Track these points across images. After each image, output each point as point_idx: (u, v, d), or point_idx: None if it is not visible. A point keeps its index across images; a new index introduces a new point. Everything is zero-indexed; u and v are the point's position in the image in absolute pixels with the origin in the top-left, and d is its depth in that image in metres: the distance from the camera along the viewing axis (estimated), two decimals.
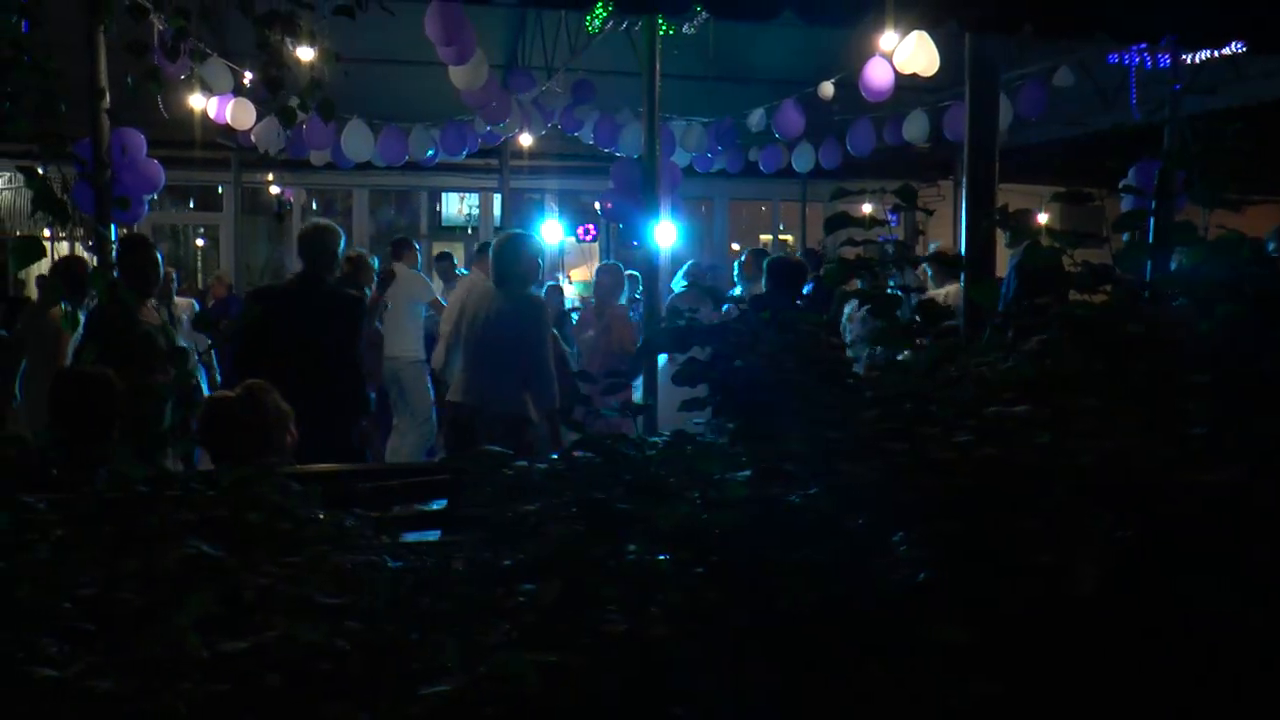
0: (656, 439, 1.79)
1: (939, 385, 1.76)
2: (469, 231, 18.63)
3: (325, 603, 1.49)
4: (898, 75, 7.90)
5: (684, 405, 1.84)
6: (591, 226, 17.75)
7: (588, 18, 9.27)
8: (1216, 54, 8.21)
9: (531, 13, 10.40)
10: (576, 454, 1.76)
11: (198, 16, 3.82)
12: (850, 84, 8.79)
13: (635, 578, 1.40)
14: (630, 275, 11.78)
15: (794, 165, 12.48)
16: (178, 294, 10.54)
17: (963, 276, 5.27)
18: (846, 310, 7.25)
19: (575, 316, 10.33)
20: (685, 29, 8.84)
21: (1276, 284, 1.72)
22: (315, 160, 11.56)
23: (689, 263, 11.40)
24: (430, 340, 9.05)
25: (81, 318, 5.45)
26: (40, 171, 2.71)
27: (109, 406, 4.03)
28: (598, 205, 15.66)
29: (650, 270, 6.03)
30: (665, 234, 6.50)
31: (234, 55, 8.64)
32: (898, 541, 1.35)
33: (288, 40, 3.65)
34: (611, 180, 9.11)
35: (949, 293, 7.20)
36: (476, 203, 18.18)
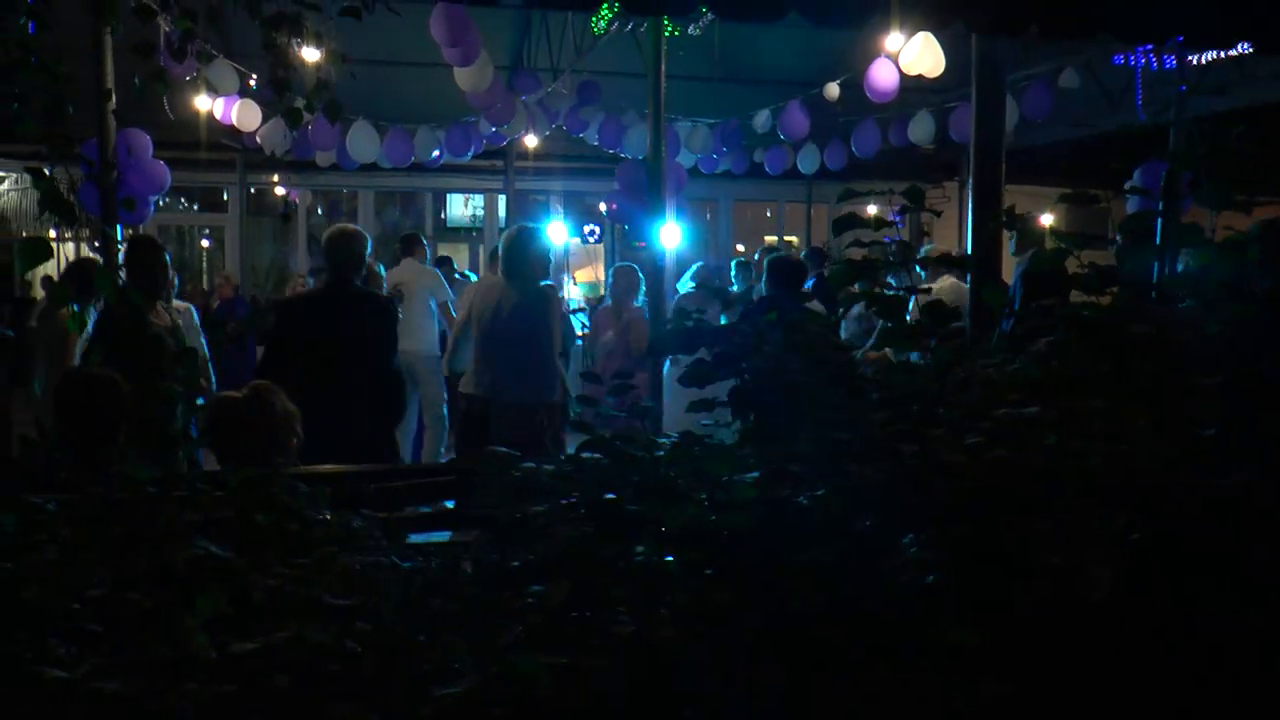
0: (664, 440, 1.78)
1: (947, 387, 1.76)
2: (473, 233, 18.65)
3: (334, 604, 1.49)
4: (903, 76, 7.90)
5: (692, 406, 1.84)
6: (596, 227, 17.76)
7: (593, 19, 9.28)
8: (1223, 55, 8.21)
9: (537, 14, 10.41)
10: (585, 455, 1.76)
11: (204, 18, 3.82)
12: (855, 85, 8.80)
13: (644, 579, 1.40)
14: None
15: (799, 166, 12.48)
16: (179, 296, 10.55)
17: (969, 278, 5.26)
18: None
19: (583, 316, 10.31)
20: (690, 30, 8.84)
21: None
22: (320, 161, 11.57)
23: (696, 264, 11.40)
24: (443, 338, 9.04)
25: (92, 318, 5.47)
26: (47, 172, 2.72)
27: (115, 408, 4.03)
28: (603, 206, 15.67)
29: (655, 271, 6.03)
30: (670, 235, 6.49)
31: (240, 57, 8.66)
32: (907, 543, 1.35)
33: (294, 41, 3.65)
34: (617, 181, 9.10)
35: (941, 288, 7.19)
36: (481, 204, 18.20)
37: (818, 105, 10.36)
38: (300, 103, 3.90)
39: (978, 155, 4.68)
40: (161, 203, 16.40)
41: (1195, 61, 8.53)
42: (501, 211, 16.83)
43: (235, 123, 9.58)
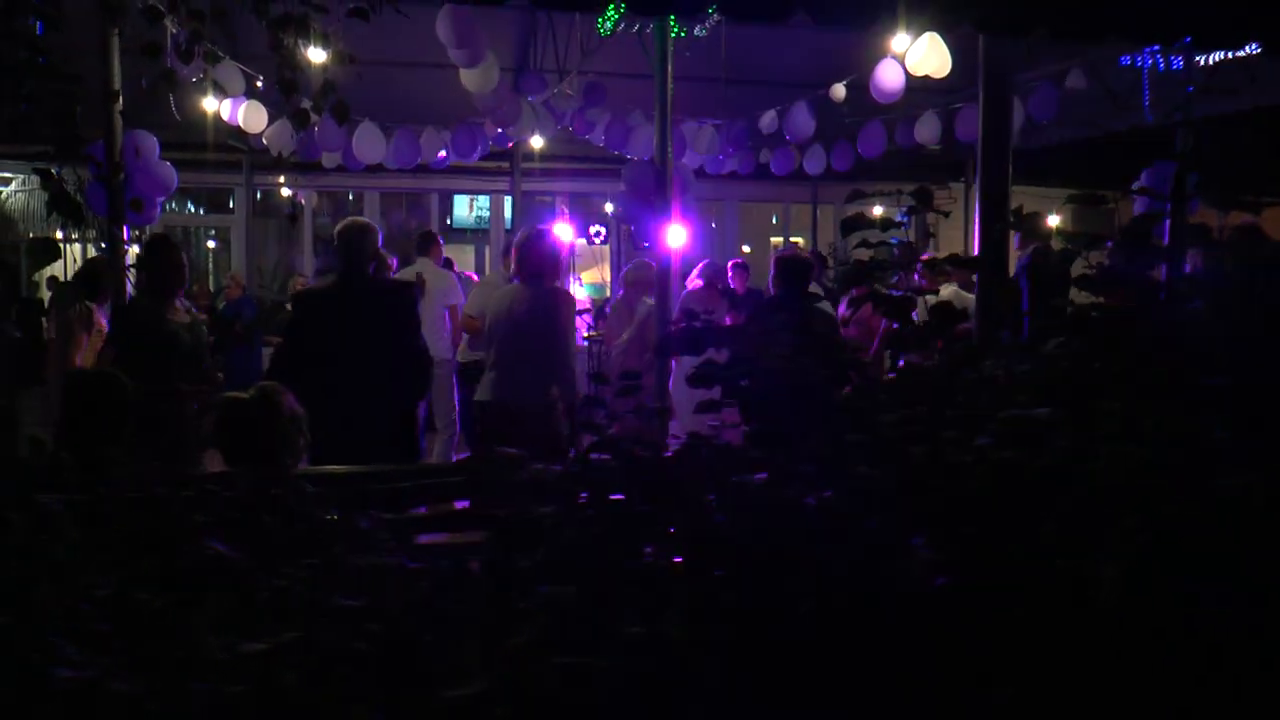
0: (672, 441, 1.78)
1: (956, 388, 1.76)
2: (479, 234, 18.65)
3: (343, 605, 1.49)
4: (909, 77, 7.89)
5: (700, 407, 1.84)
6: (602, 228, 17.75)
7: (599, 20, 9.28)
8: (1230, 56, 8.18)
9: (543, 15, 10.40)
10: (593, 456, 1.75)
11: (211, 19, 3.82)
12: (861, 86, 8.79)
13: (652, 580, 1.40)
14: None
15: (805, 167, 12.46)
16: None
17: (976, 279, 5.26)
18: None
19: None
20: (697, 31, 8.84)
21: None
22: (326, 163, 11.56)
23: (704, 262, 11.39)
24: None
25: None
26: (55, 174, 2.73)
27: (121, 407, 4.04)
28: (609, 207, 15.66)
29: (662, 272, 6.03)
30: (676, 236, 6.49)
31: (247, 58, 8.66)
32: (917, 545, 1.35)
33: (300, 43, 3.65)
34: (623, 183, 9.10)
35: (944, 293, 7.19)
36: (486, 205, 18.20)
37: (824, 106, 10.34)
38: (307, 104, 3.91)
39: (985, 156, 4.68)
40: (172, 206, 16.48)
41: (1202, 63, 8.51)
42: (507, 213, 16.83)
43: (242, 124, 9.58)
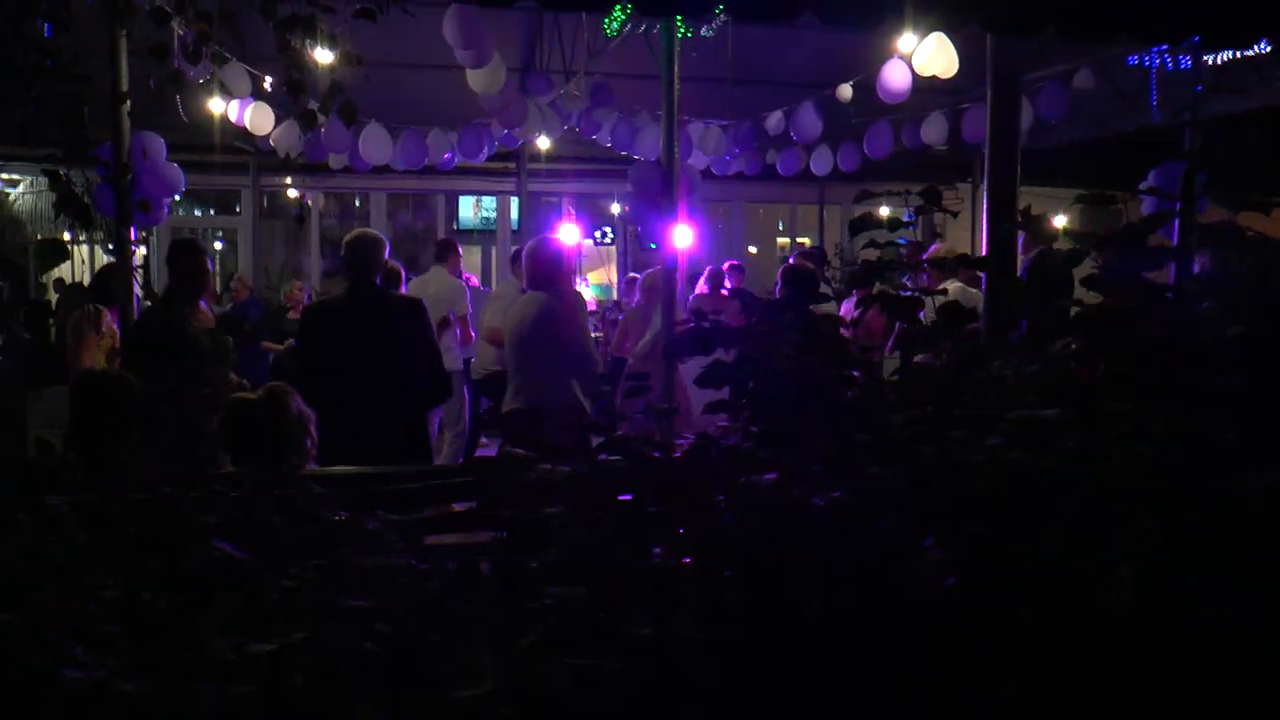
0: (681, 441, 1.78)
1: (964, 388, 1.75)
2: (485, 235, 18.66)
3: (351, 605, 1.49)
4: (916, 77, 7.88)
5: (708, 407, 1.84)
6: (609, 229, 17.76)
7: (606, 21, 9.27)
8: (1239, 55, 8.16)
9: (549, 16, 10.41)
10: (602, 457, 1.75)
11: (219, 21, 3.83)
12: (868, 86, 8.77)
13: (661, 581, 1.39)
14: (632, 278, 11.78)
15: (812, 168, 12.45)
16: None
17: (983, 279, 5.24)
18: None
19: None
20: (703, 32, 8.83)
21: None
22: (333, 164, 11.58)
23: (709, 268, 11.39)
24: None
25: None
26: (63, 175, 2.73)
27: (128, 409, 4.05)
28: (616, 208, 15.66)
29: (669, 273, 6.02)
30: (683, 237, 6.49)
31: (254, 60, 8.67)
32: (927, 545, 1.34)
33: (308, 44, 3.66)
34: (630, 183, 9.10)
35: (948, 290, 7.18)
36: (492, 206, 18.21)
37: (830, 107, 10.33)
38: (314, 105, 3.91)
39: (993, 156, 4.66)
40: (180, 208, 16.51)
41: (1211, 62, 8.49)
42: (514, 214, 16.85)
43: (249, 126, 9.59)
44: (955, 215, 2.63)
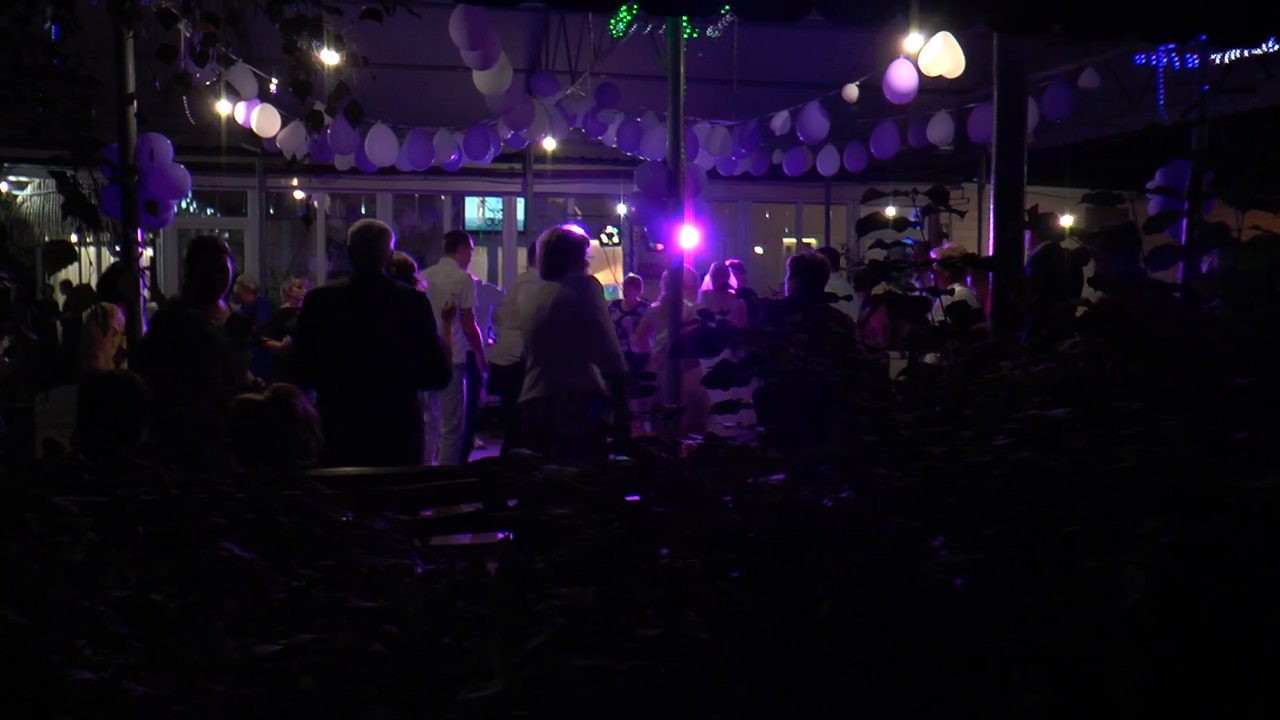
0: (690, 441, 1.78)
1: (973, 388, 1.75)
2: (492, 235, 18.67)
3: (359, 606, 1.49)
4: (922, 77, 7.88)
5: (716, 408, 1.83)
6: (614, 229, 17.76)
7: (612, 21, 9.28)
8: (1246, 54, 8.14)
9: (555, 17, 10.42)
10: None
11: (225, 22, 3.83)
12: (874, 87, 8.77)
13: (670, 581, 1.39)
14: (631, 278, 11.79)
15: (818, 168, 12.44)
16: None
17: (990, 279, 5.24)
18: None
19: None
20: (709, 32, 8.84)
21: None
22: (339, 165, 11.60)
23: (714, 264, 11.40)
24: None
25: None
26: (70, 177, 2.73)
27: (135, 409, 4.06)
28: (622, 208, 15.67)
29: (674, 273, 6.03)
30: (688, 237, 6.50)
31: (260, 61, 8.69)
32: (937, 546, 1.34)
33: (314, 45, 3.66)
34: (636, 184, 9.10)
35: (955, 291, 7.17)
36: (498, 207, 18.22)
37: (836, 107, 10.33)
38: (320, 106, 3.91)
39: (999, 155, 4.66)
40: (190, 209, 16.54)
41: (1218, 60, 8.47)
42: (520, 214, 16.86)
43: (255, 127, 9.61)
44: (962, 215, 2.62)
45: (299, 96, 3.67)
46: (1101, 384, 1.66)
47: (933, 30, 6.98)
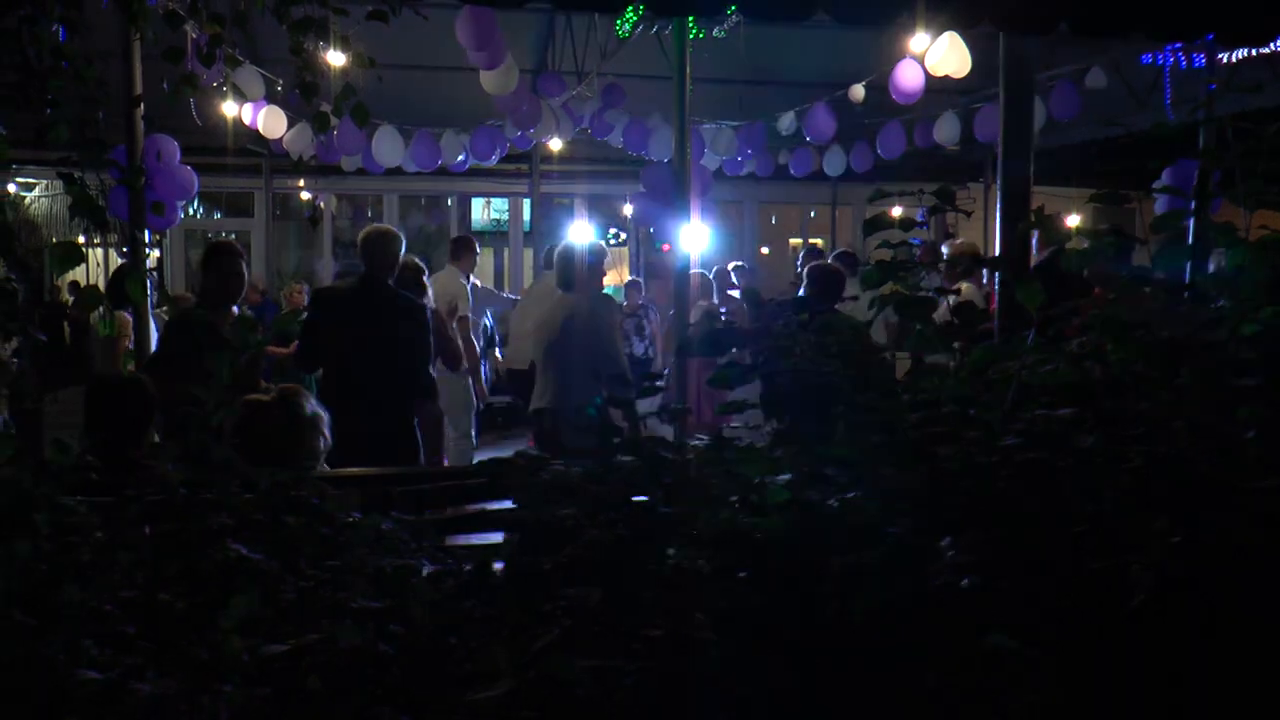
0: (696, 442, 1.78)
1: (979, 389, 1.74)
2: (498, 236, 18.68)
3: (366, 606, 1.49)
4: (928, 77, 7.87)
5: (722, 408, 1.83)
6: (620, 231, 17.76)
7: (618, 22, 9.28)
8: (1254, 53, 8.12)
9: (561, 17, 10.42)
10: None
11: (232, 23, 3.84)
12: (880, 87, 8.76)
13: (676, 582, 1.39)
14: (634, 281, 11.81)
15: (824, 168, 12.43)
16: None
17: (997, 279, 5.23)
18: None
19: None
20: (715, 33, 8.83)
21: None
22: (346, 166, 11.61)
23: (715, 267, 11.40)
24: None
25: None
26: (77, 178, 2.74)
27: (143, 411, 4.07)
28: (628, 209, 15.68)
29: (680, 274, 6.02)
30: (695, 238, 6.51)
31: (266, 62, 8.70)
32: (944, 546, 1.34)
33: (321, 46, 3.66)
34: (642, 184, 9.10)
35: (961, 290, 7.17)
36: (504, 207, 18.23)
37: (843, 107, 10.32)
38: (327, 107, 3.92)
39: (1006, 155, 4.65)
40: (200, 212, 16.56)
41: (1225, 60, 8.45)
42: (526, 215, 16.87)
43: (261, 128, 9.63)
44: (968, 215, 2.62)
45: (305, 98, 3.68)
46: (1108, 384, 1.66)
47: (939, 30, 6.97)
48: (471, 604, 1.46)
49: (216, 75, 6.64)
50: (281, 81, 8.64)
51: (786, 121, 11.19)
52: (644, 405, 2.13)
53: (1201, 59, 8.71)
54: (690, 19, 5.90)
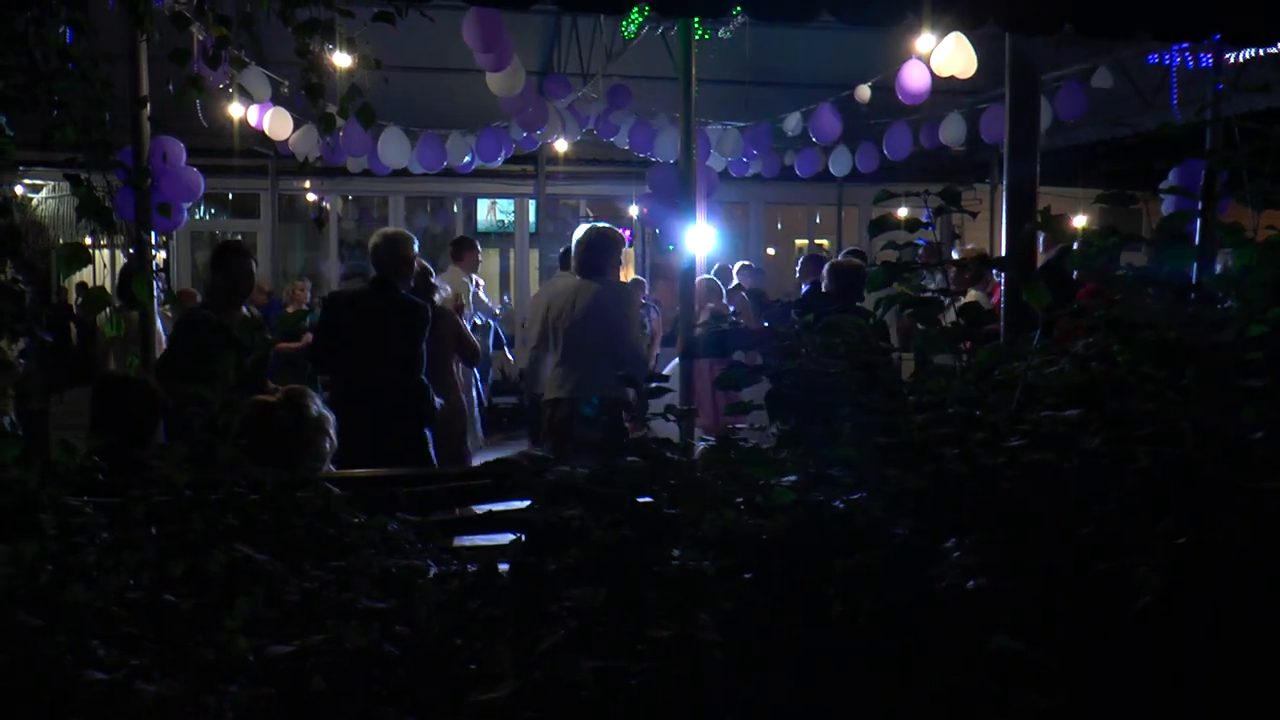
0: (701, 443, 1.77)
1: (985, 390, 1.74)
2: (504, 238, 18.68)
3: (371, 607, 1.49)
4: (934, 78, 7.86)
5: (728, 409, 1.83)
6: (626, 231, 17.75)
7: (623, 23, 9.28)
8: (1261, 53, 8.10)
9: (567, 19, 10.42)
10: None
11: (238, 25, 3.84)
12: (886, 87, 8.75)
13: (682, 583, 1.39)
14: (637, 280, 11.82)
15: (830, 169, 12.42)
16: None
17: (1003, 279, 5.22)
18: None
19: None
20: (721, 34, 8.83)
21: None
22: (352, 167, 11.62)
23: (716, 265, 11.40)
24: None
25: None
26: (83, 179, 2.74)
27: (149, 411, 4.07)
28: (634, 210, 15.68)
29: (686, 275, 6.02)
30: (701, 239, 6.50)
31: (272, 64, 8.72)
32: (949, 548, 1.33)
33: (327, 48, 3.66)
34: (648, 185, 9.09)
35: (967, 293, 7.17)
36: (510, 208, 18.22)
37: (849, 108, 10.31)
38: (332, 109, 3.92)
39: (1012, 155, 4.64)
40: (209, 214, 16.58)
41: (1232, 59, 8.43)
42: (532, 216, 16.86)
43: (267, 130, 9.64)
44: (974, 216, 2.61)
45: (311, 99, 3.68)
46: (1114, 385, 1.66)
47: (945, 31, 6.96)
48: (477, 605, 1.46)
49: (222, 77, 6.64)
50: (287, 83, 8.65)
51: (792, 122, 11.18)
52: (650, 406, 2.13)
53: (1208, 59, 8.70)
54: (696, 20, 5.90)
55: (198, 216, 16.30)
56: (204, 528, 1.74)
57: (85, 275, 13.11)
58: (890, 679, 1.25)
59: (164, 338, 6.88)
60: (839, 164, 12.26)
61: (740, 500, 1.59)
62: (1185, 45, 8.91)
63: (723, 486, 1.62)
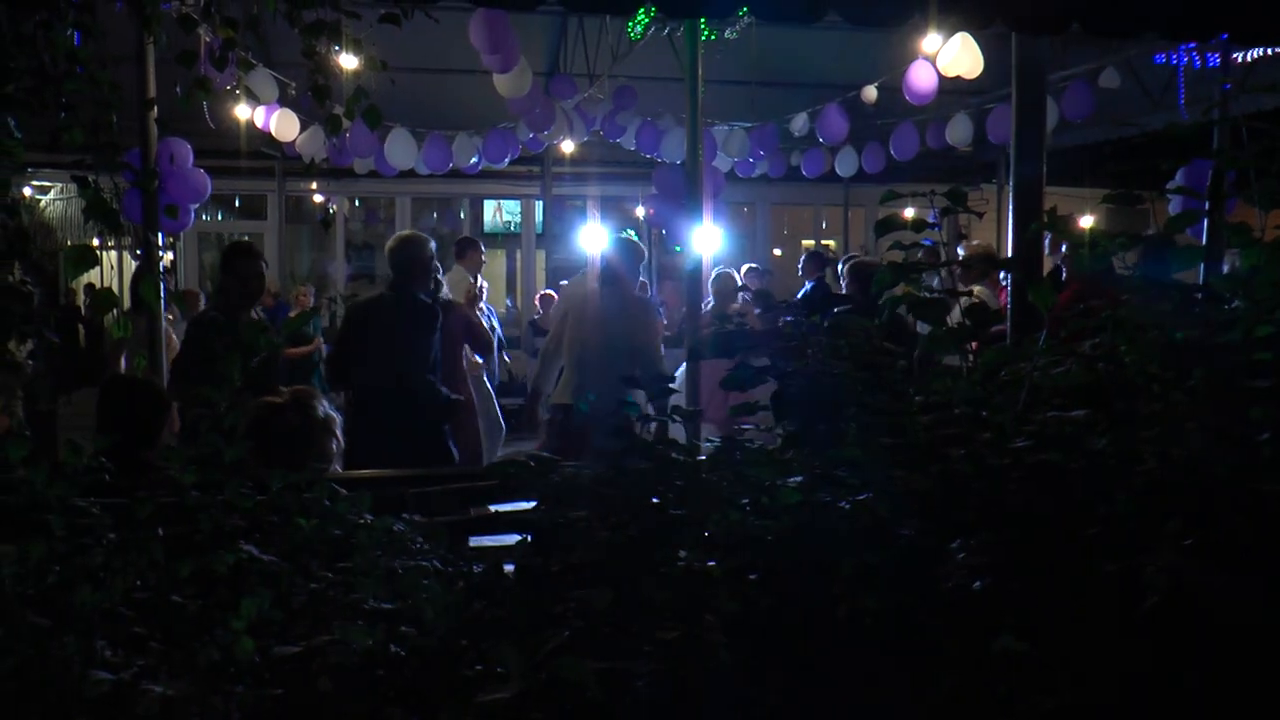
0: (707, 444, 1.77)
1: (991, 390, 1.74)
2: (511, 238, 18.71)
3: (377, 608, 1.49)
4: (940, 78, 7.85)
5: (734, 410, 1.83)
6: (633, 232, 17.76)
7: (630, 24, 9.28)
8: (1269, 52, 8.08)
9: (574, 20, 10.43)
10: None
11: (245, 27, 3.85)
12: (893, 88, 8.75)
13: (687, 584, 1.39)
14: (640, 281, 11.81)
15: (837, 169, 12.41)
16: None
17: (1009, 280, 5.21)
18: None
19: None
20: (727, 34, 8.83)
21: None
22: (358, 168, 11.64)
23: (717, 269, 11.40)
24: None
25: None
26: (91, 181, 2.75)
27: (155, 412, 4.08)
28: (640, 211, 15.68)
29: (693, 275, 6.02)
30: (707, 239, 6.50)
31: (279, 65, 8.73)
32: (955, 548, 1.33)
33: (333, 49, 3.66)
34: (654, 186, 9.10)
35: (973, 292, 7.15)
36: (517, 209, 18.25)
37: (855, 108, 10.31)
38: (339, 110, 3.92)
39: (1018, 155, 4.64)
40: (216, 216, 16.62)
41: (1240, 59, 8.41)
42: (538, 217, 16.88)
43: (274, 131, 9.66)
44: (980, 216, 2.61)
45: (318, 100, 3.68)
46: (1121, 386, 1.65)
47: (951, 31, 6.96)
48: (483, 606, 1.46)
49: (229, 79, 6.65)
50: (294, 85, 8.68)
51: (799, 123, 11.18)
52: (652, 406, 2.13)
53: (1215, 58, 8.68)
54: (702, 20, 5.89)
55: (205, 218, 16.34)
56: (210, 529, 1.75)
57: (93, 277, 13.15)
58: (896, 679, 1.25)
59: (173, 338, 6.90)
60: (845, 164, 12.26)
61: (746, 501, 1.59)
62: (1193, 45, 8.89)
63: (728, 487, 1.61)
